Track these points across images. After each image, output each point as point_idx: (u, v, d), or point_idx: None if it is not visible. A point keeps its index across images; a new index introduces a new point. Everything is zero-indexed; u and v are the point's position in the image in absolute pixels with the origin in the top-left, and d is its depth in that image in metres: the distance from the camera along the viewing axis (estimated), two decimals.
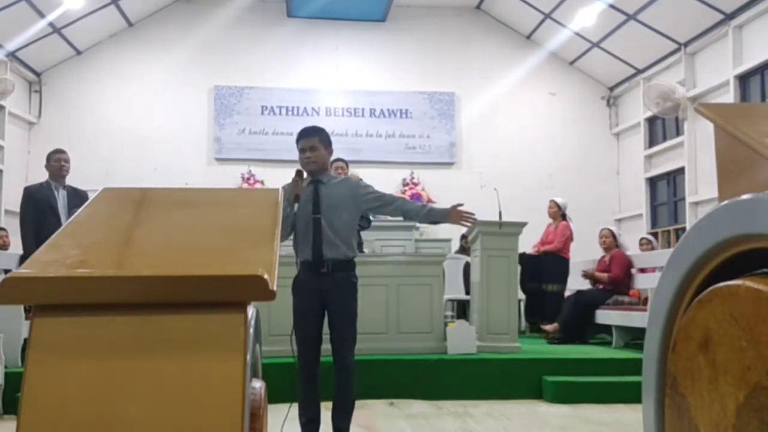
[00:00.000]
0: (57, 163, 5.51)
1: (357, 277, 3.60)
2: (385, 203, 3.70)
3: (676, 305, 1.45)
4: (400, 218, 7.15)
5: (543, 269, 7.84)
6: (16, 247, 7.37)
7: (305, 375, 3.54)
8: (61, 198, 5.45)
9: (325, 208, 3.53)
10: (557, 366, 5.41)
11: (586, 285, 7.61)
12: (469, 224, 3.74)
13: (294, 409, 3.47)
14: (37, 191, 5.49)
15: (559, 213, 7.93)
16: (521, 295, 7.68)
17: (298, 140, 3.63)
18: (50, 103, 10.61)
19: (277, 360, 4.12)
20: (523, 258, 7.56)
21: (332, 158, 6.37)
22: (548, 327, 7.12)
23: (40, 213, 5.27)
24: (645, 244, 8.50)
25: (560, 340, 6.94)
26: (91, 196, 1.93)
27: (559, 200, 8.02)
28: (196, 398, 1.26)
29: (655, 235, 9.99)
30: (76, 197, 5.48)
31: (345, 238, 3.54)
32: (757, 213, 1.21)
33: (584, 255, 7.98)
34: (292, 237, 3.66)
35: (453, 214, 3.62)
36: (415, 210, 3.71)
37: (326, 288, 3.49)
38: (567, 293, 7.85)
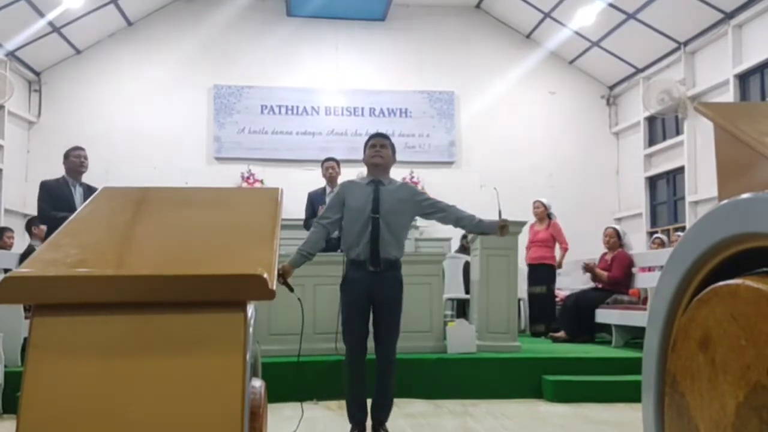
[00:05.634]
0: (77, 159, 5.45)
1: (402, 275, 3.78)
2: (440, 209, 3.86)
3: (675, 304, 1.44)
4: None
5: (532, 272, 7.84)
6: (20, 246, 7.36)
7: (354, 370, 3.72)
8: (78, 195, 5.40)
9: (384, 209, 3.70)
10: (557, 365, 5.40)
11: (582, 284, 7.59)
12: None
13: (293, 407, 3.46)
14: (54, 187, 5.42)
15: (545, 213, 7.92)
16: (521, 295, 7.68)
17: (368, 140, 3.91)
18: (50, 103, 10.61)
19: (279, 359, 4.12)
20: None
21: (324, 157, 6.47)
22: (556, 335, 7.07)
23: (57, 209, 5.22)
24: (657, 244, 8.48)
25: (569, 340, 6.91)
26: None
27: (544, 200, 8.02)
28: (196, 397, 1.26)
29: (653, 234, 9.98)
30: (92, 195, 5.41)
31: (399, 239, 3.75)
32: (756, 212, 1.20)
33: (584, 254, 7.97)
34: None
35: (503, 229, 3.72)
36: (468, 219, 3.84)
37: (376, 285, 3.67)
38: (566, 293, 7.84)
